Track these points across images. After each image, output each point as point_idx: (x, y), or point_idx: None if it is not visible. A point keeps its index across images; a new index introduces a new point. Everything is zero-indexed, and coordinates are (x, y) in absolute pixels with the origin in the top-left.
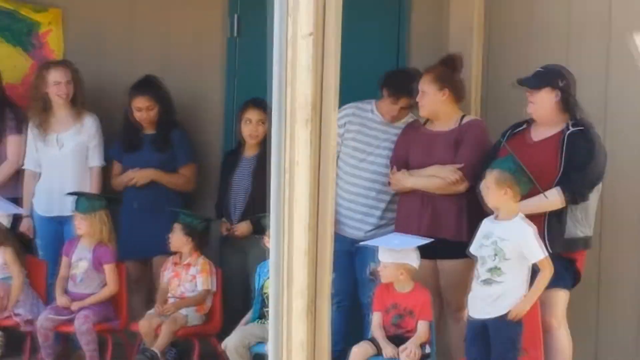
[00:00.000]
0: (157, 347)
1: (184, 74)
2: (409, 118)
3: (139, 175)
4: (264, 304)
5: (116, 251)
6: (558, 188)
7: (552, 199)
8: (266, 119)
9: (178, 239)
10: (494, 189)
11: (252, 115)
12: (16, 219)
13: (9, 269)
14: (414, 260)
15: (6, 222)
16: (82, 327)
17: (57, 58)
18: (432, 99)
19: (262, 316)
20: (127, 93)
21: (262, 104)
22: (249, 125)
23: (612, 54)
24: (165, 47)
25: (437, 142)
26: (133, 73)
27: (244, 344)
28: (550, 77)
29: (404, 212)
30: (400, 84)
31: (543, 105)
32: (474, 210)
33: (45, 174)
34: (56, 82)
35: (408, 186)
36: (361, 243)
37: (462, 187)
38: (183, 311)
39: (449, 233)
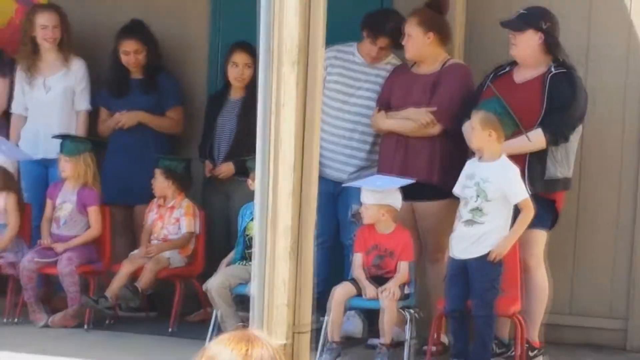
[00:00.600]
0: (141, 284)
1: (168, 18)
2: (391, 59)
3: (126, 117)
4: (246, 245)
5: (101, 194)
6: (540, 129)
7: (534, 140)
8: (252, 63)
9: (160, 183)
10: (478, 130)
11: (239, 58)
12: None
13: (7, 216)
14: (396, 201)
15: (12, 168)
16: (66, 269)
17: (43, 2)
18: (417, 42)
19: (244, 257)
20: (115, 37)
21: (249, 47)
22: (235, 69)
23: None
24: None
25: (417, 84)
26: (117, 18)
27: (225, 286)
28: (534, 19)
29: (383, 153)
30: (378, 24)
31: (526, 47)
32: (448, 153)
33: (31, 117)
34: (44, 26)
35: (384, 128)
36: (344, 184)
37: (435, 130)
38: (166, 253)
39: (419, 175)
